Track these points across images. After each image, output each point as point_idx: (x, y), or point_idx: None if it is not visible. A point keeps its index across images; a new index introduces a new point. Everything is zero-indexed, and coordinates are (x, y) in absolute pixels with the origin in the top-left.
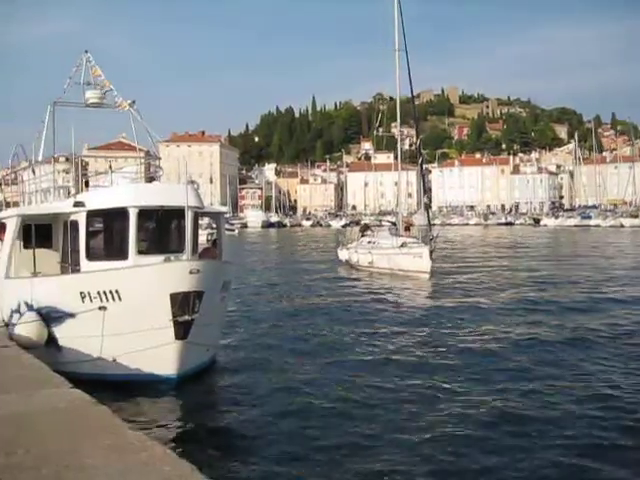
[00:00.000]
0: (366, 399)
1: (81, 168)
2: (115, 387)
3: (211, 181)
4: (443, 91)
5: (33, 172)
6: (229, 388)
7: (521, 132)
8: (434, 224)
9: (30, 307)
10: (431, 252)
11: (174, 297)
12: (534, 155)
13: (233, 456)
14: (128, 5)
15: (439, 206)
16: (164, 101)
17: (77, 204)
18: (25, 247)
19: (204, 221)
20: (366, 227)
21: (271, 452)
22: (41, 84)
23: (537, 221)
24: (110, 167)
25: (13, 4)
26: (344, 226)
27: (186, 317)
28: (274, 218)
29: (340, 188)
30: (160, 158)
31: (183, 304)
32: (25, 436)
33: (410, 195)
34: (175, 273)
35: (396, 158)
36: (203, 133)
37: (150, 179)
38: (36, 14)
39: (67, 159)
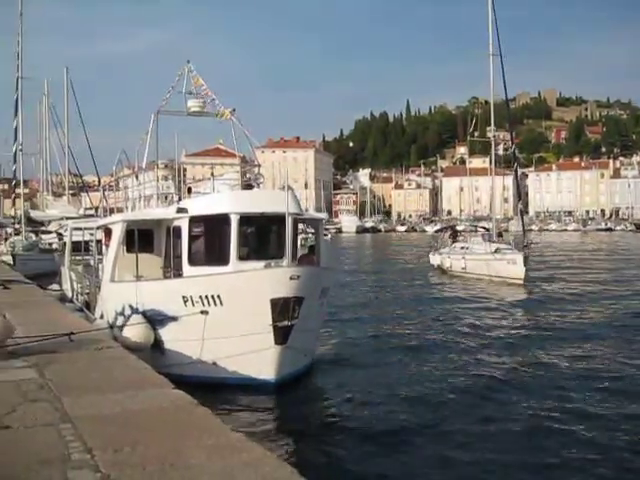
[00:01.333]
0: (464, 405)
1: (180, 175)
2: (215, 389)
3: (306, 186)
4: (540, 94)
5: (137, 179)
6: (327, 392)
7: (621, 135)
8: (531, 229)
9: (135, 310)
10: (525, 258)
11: (274, 302)
12: (635, 159)
13: (332, 459)
14: (227, 15)
15: (536, 211)
16: (260, 107)
17: (180, 210)
18: (128, 252)
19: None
20: (455, 232)
21: (370, 455)
22: (144, 94)
23: (639, 227)
24: (212, 174)
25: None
26: (437, 231)
27: (286, 322)
28: (369, 223)
29: (435, 193)
30: (260, 165)
31: (283, 309)
32: (131, 434)
33: (506, 200)
34: (276, 279)
35: (492, 163)
36: (298, 139)
37: (247, 186)
38: (138, 28)
39: (166, 166)
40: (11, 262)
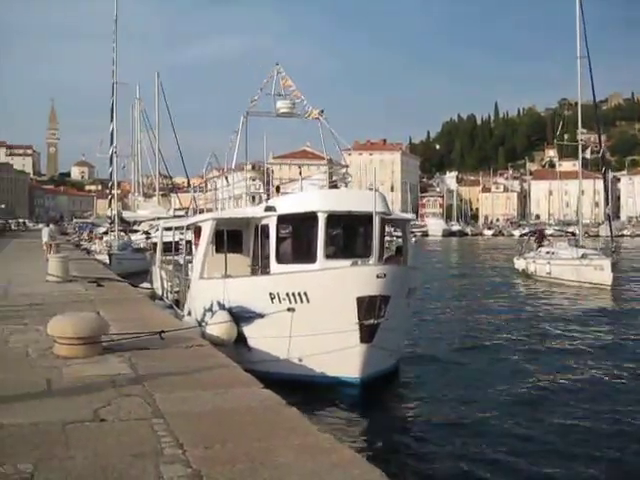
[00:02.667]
0: (553, 407)
1: (268, 176)
2: (300, 387)
3: (392, 189)
4: (633, 95)
5: (226, 179)
6: (412, 392)
7: None
8: (622, 235)
9: (222, 306)
10: (614, 264)
11: (361, 301)
12: None
13: (419, 460)
14: (312, 19)
15: (628, 216)
16: (346, 109)
17: (268, 209)
18: (217, 251)
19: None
20: (542, 237)
21: (457, 456)
22: (233, 97)
23: None
24: (300, 174)
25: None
26: (522, 235)
27: (372, 321)
28: (455, 227)
29: (523, 196)
30: (348, 166)
31: (369, 308)
32: (221, 431)
33: (597, 204)
34: (362, 277)
35: (580, 166)
36: (384, 141)
37: (334, 186)
38: (226, 34)
39: (253, 167)
40: (107, 261)
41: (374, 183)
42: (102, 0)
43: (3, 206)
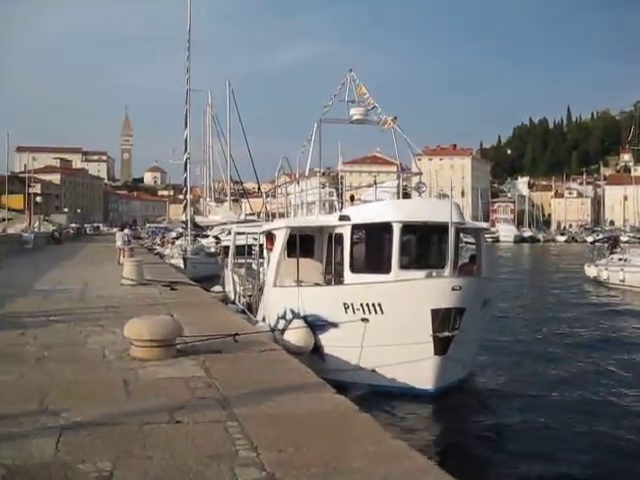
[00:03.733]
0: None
1: (338, 182)
2: (373, 397)
3: (462, 194)
4: None
5: (298, 185)
6: (485, 403)
7: None
8: None
9: (296, 314)
10: None
11: (435, 313)
12: None
13: (492, 472)
14: (379, 26)
15: None
16: (416, 115)
17: (342, 218)
18: (289, 256)
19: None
20: (615, 244)
21: (531, 468)
22: (301, 103)
23: None
24: (375, 182)
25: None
26: (593, 242)
27: (446, 333)
28: (527, 233)
29: (597, 202)
30: (421, 173)
31: (444, 320)
32: (294, 435)
33: None
34: (437, 289)
35: None
36: (455, 146)
37: (405, 194)
38: (296, 41)
39: (323, 173)
40: (181, 265)
41: (450, 193)
42: (176, 8)
43: (79, 210)
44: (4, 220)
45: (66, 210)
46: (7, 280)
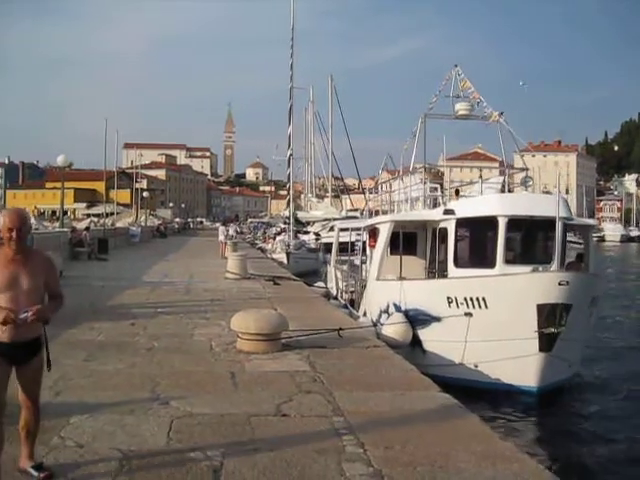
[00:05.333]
0: None
1: (438, 178)
2: (475, 393)
3: (567, 192)
4: None
5: (402, 181)
6: (590, 404)
7: None
8: None
9: (398, 308)
10: None
11: (541, 308)
12: None
13: (602, 477)
14: (481, 19)
15: None
16: (520, 110)
17: (447, 212)
18: (391, 253)
19: None
20: None
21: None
22: (401, 99)
23: None
24: (480, 177)
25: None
26: None
27: (552, 330)
28: (634, 232)
29: None
30: (528, 169)
31: (550, 316)
32: (400, 432)
33: None
34: (543, 284)
35: None
36: (559, 142)
37: (509, 191)
38: (397, 36)
39: (431, 169)
40: (284, 260)
41: (558, 187)
42: (278, 7)
43: (183, 205)
44: (113, 214)
45: (171, 205)
46: (116, 273)
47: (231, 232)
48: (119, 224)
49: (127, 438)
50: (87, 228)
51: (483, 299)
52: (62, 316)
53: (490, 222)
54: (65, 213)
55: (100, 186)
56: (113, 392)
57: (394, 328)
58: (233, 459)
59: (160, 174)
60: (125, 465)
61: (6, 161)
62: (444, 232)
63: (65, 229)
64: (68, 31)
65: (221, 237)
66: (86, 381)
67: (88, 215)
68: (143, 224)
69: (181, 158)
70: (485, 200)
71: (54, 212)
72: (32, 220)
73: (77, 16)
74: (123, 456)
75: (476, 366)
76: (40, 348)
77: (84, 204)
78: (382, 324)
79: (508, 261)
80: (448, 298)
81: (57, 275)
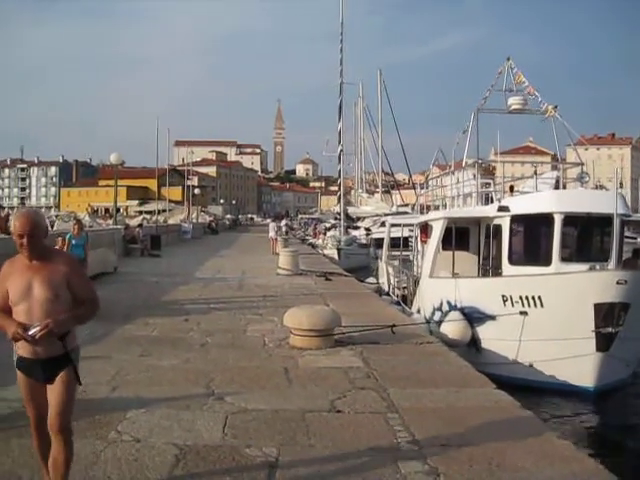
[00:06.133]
0: None
1: (489, 173)
2: (531, 392)
3: (621, 185)
4: None
5: (453, 176)
6: None
7: None
8: None
9: (452, 306)
10: None
11: (598, 307)
12: None
13: None
14: (532, 12)
15: None
16: (572, 103)
17: (501, 208)
18: (444, 249)
19: None
20: None
21: None
22: (449, 93)
23: None
24: (535, 173)
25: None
26: None
27: (609, 329)
28: None
29: None
30: (583, 163)
31: (607, 315)
32: (456, 430)
33: None
34: (601, 283)
35: None
36: (613, 135)
37: (563, 185)
38: (444, 29)
39: (482, 164)
40: (335, 256)
41: (616, 182)
42: (326, 2)
43: (234, 202)
44: (165, 211)
45: (222, 201)
46: (169, 269)
47: (283, 228)
48: (171, 221)
49: (183, 433)
50: (140, 225)
51: (539, 298)
52: (117, 312)
53: (546, 219)
54: (118, 210)
55: (152, 183)
56: (169, 387)
57: (453, 326)
58: (288, 455)
59: (211, 171)
60: (181, 460)
61: (60, 160)
62: (498, 229)
63: (118, 226)
64: (121, 32)
65: (272, 233)
66: (142, 376)
67: (140, 212)
68: (195, 221)
69: (231, 155)
70: (541, 196)
71: (107, 210)
72: (71, 218)
73: (127, 17)
74: (179, 451)
75: (532, 365)
76: (67, 364)
77: (136, 201)
78: (438, 322)
79: (564, 259)
80: (503, 296)
81: (84, 277)
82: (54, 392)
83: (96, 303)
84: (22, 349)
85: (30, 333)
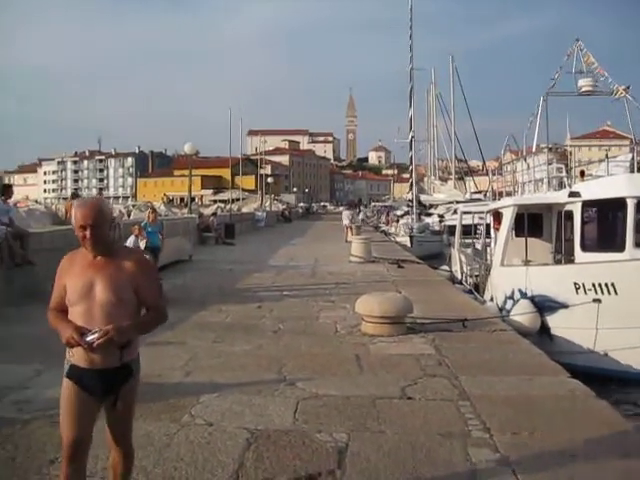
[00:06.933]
0: None
1: (564, 158)
2: (605, 382)
3: None
4: None
5: (525, 162)
6: None
7: None
8: None
9: (524, 295)
10: None
11: None
12: None
13: None
14: None
15: None
16: None
17: (572, 194)
18: (516, 236)
19: None
20: None
21: None
22: (525, 77)
23: None
24: (607, 156)
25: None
26: None
27: None
28: None
29: None
30: None
31: None
32: (528, 418)
33: None
34: None
35: None
36: None
37: (638, 168)
38: (520, 12)
39: (550, 149)
40: (408, 243)
41: None
42: None
43: (307, 190)
44: (239, 200)
45: (295, 190)
46: (243, 256)
47: (361, 216)
48: (245, 209)
49: (254, 418)
50: (214, 214)
51: (612, 285)
52: (192, 299)
53: (618, 203)
54: (193, 199)
55: (226, 173)
56: (241, 373)
57: (522, 315)
58: (358, 441)
59: (284, 160)
60: (252, 444)
61: (136, 151)
62: (570, 215)
63: (193, 215)
64: (193, 23)
65: (346, 221)
66: (215, 362)
67: (215, 201)
68: (268, 209)
69: (304, 143)
70: (612, 181)
71: (182, 199)
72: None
73: (200, 8)
74: (251, 435)
75: (606, 354)
76: (131, 376)
77: (211, 190)
78: (508, 310)
79: (638, 244)
80: (575, 284)
81: (154, 281)
82: (116, 409)
83: (162, 313)
84: (77, 356)
85: (88, 339)
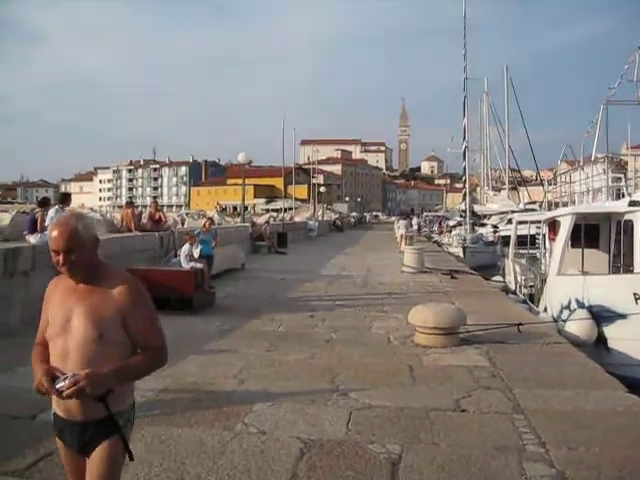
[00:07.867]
0: None
1: (620, 168)
2: None
3: None
4: None
5: (582, 171)
6: None
7: None
8: None
9: (581, 305)
10: None
11: None
12: None
13: None
14: None
15: None
16: None
17: (633, 203)
18: (572, 246)
19: None
20: None
21: None
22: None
23: None
24: None
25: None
26: None
27: None
28: None
29: None
30: None
31: None
32: (584, 434)
33: None
34: None
35: None
36: None
37: None
38: (574, 20)
39: (613, 159)
40: (461, 254)
41: None
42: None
43: (359, 199)
44: (291, 209)
45: (347, 199)
46: (295, 266)
47: (414, 226)
48: (297, 218)
49: (307, 427)
50: (267, 222)
51: None
52: (245, 307)
53: None
54: (246, 208)
55: (278, 182)
56: (294, 382)
57: (578, 325)
58: (411, 453)
59: (336, 169)
60: (305, 453)
61: (190, 160)
62: (629, 224)
63: (246, 224)
64: (243, 33)
65: (402, 230)
66: (268, 370)
67: (267, 210)
68: (320, 218)
69: (356, 153)
70: None
71: (235, 208)
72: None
73: (249, 18)
74: (303, 445)
75: None
76: (111, 432)
77: (263, 199)
78: (564, 321)
79: None
80: (635, 294)
81: (149, 313)
82: (92, 469)
83: (161, 354)
84: (55, 404)
85: (57, 387)
